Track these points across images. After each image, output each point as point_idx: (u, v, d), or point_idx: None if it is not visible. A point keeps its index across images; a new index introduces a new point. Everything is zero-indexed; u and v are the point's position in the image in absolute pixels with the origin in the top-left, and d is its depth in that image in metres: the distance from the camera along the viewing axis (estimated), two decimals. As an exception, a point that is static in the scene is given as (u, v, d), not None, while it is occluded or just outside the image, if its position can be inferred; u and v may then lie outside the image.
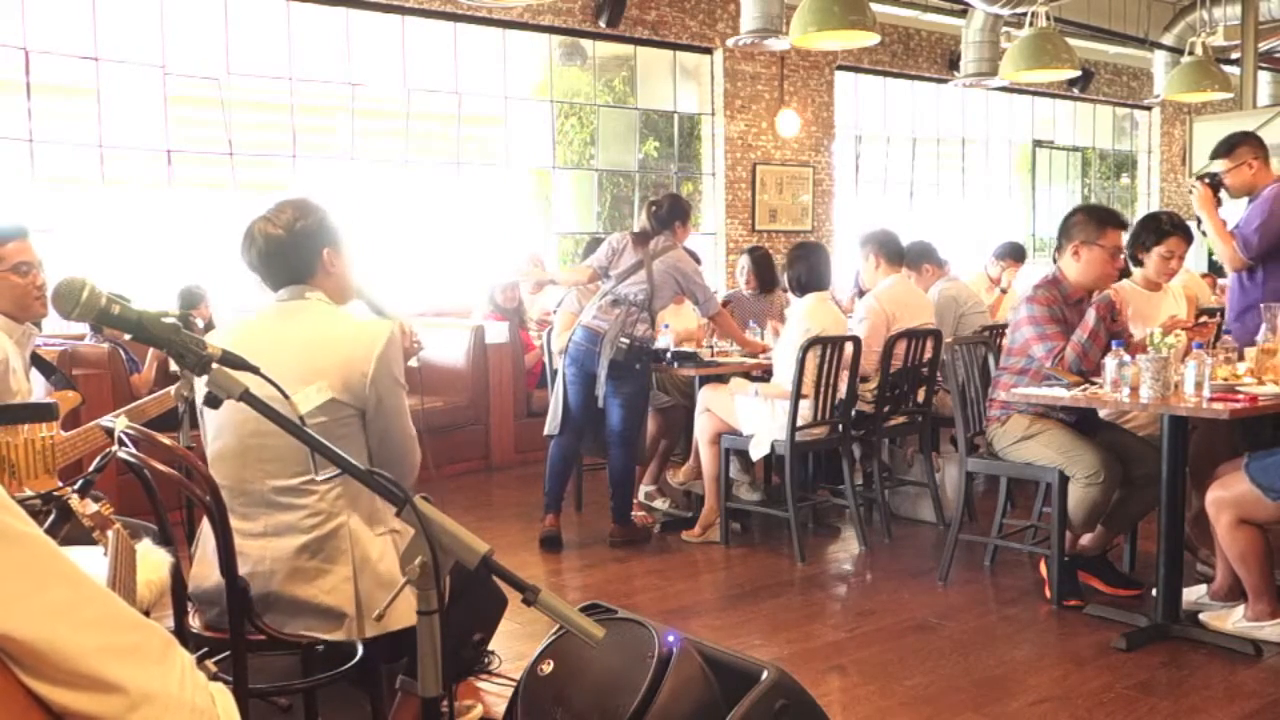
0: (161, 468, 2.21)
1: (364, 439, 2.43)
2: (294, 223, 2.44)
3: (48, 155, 6.88)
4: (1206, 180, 4.64)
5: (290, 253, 2.45)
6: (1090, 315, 3.89)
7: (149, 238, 7.29)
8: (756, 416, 4.74)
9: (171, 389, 3.60)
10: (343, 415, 2.37)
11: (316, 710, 2.59)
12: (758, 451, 4.75)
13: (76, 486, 1.85)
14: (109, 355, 5.04)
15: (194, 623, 2.42)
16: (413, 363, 2.62)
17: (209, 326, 5.94)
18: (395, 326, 2.47)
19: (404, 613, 2.33)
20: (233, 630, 2.24)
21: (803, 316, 4.78)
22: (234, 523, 2.33)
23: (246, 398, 1.50)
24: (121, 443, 2.23)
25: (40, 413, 2.64)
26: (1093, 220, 4.08)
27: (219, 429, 2.43)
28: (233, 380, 1.51)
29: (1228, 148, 4.59)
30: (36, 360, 3.26)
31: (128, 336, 1.87)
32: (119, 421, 2.32)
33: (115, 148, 7.17)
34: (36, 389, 3.21)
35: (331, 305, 2.50)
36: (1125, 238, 4.16)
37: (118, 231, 7.19)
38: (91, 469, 1.95)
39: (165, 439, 2.31)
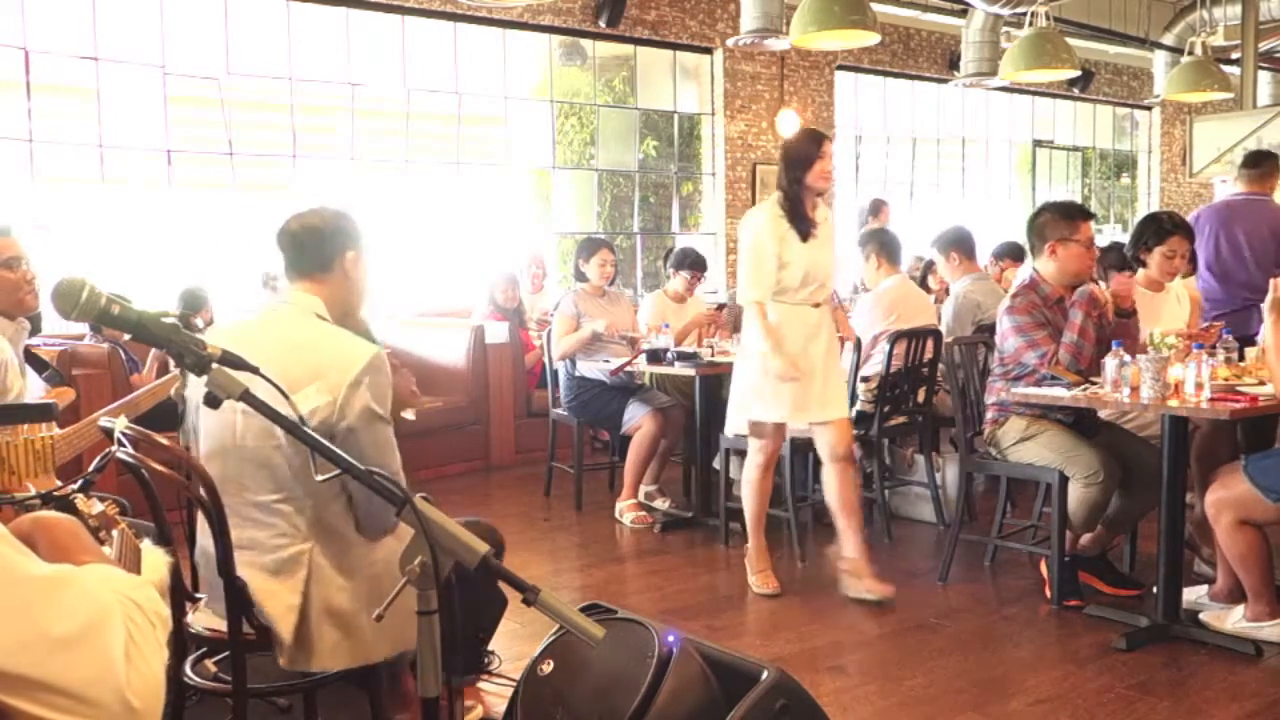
0: (160, 468, 2.21)
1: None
2: (331, 217, 2.52)
3: (48, 155, 6.86)
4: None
5: (320, 240, 2.47)
6: (1075, 313, 3.89)
7: (149, 238, 7.28)
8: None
9: (167, 379, 3.62)
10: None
11: (316, 710, 2.59)
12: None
13: (77, 486, 1.85)
14: (109, 355, 5.04)
15: (193, 623, 2.42)
16: (409, 414, 2.47)
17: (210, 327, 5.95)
18: (383, 351, 2.34)
19: (360, 649, 2.29)
20: (231, 630, 2.24)
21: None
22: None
23: (246, 398, 1.50)
24: (120, 443, 2.23)
25: (40, 413, 2.64)
26: (1063, 216, 4.08)
27: (206, 433, 2.38)
28: (232, 380, 1.51)
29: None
30: (30, 357, 3.26)
31: (128, 336, 1.86)
32: (119, 421, 2.31)
33: (115, 148, 7.16)
34: (32, 386, 3.20)
35: (317, 320, 2.40)
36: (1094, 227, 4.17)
37: (118, 231, 7.18)
38: (91, 469, 1.95)
39: (164, 439, 2.30)
